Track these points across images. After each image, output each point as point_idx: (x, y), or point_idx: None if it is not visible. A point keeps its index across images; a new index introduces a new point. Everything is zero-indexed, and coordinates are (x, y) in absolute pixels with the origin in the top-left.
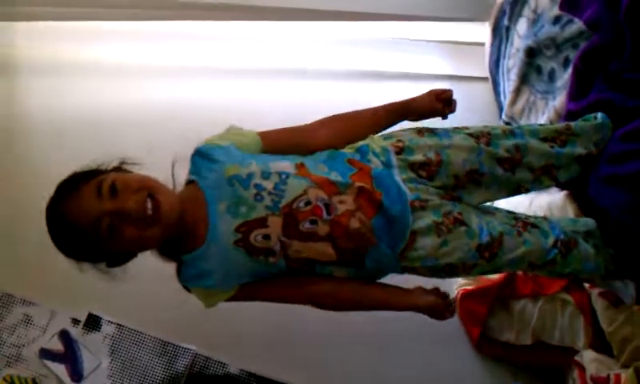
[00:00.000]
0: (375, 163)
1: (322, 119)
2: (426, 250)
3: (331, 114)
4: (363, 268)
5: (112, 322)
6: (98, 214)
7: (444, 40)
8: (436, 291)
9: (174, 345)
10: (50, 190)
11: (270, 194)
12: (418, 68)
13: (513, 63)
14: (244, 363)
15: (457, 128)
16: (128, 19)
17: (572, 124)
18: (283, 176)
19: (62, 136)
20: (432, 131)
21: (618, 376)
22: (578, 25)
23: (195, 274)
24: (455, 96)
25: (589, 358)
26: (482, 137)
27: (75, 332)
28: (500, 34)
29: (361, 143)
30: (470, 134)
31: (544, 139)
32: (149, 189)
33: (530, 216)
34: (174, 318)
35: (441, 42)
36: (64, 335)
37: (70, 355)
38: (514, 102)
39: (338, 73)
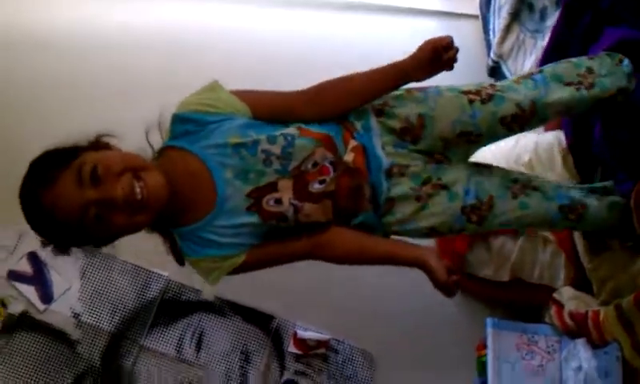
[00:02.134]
0: (356, 127)
1: (313, 89)
2: (405, 214)
3: (319, 44)
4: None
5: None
6: (83, 205)
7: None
8: (446, 263)
9: (147, 270)
10: (35, 112)
11: (278, 157)
12: (406, 2)
13: (505, 0)
14: (218, 290)
15: (454, 86)
16: None
17: (594, 64)
18: (289, 138)
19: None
20: (423, 90)
21: (596, 312)
22: None
23: (196, 244)
24: (445, 32)
25: (568, 294)
26: (483, 91)
27: (44, 254)
28: None
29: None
30: (467, 91)
31: (568, 84)
32: (133, 169)
33: (533, 178)
34: (148, 244)
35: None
36: (33, 257)
37: (39, 277)
38: (503, 40)
39: (327, 3)
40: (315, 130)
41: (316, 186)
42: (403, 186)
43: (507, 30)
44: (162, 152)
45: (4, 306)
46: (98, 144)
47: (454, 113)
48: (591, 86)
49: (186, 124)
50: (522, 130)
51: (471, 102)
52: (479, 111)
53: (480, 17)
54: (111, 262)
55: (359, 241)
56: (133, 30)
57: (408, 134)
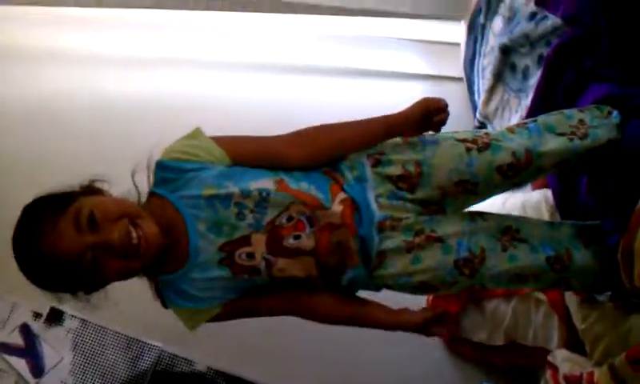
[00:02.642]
0: (347, 179)
1: (303, 132)
2: (397, 269)
3: (304, 109)
4: (338, 285)
5: (75, 317)
6: (81, 249)
7: (420, 39)
8: (424, 310)
9: (140, 341)
10: (14, 180)
11: (252, 211)
12: (393, 66)
13: (488, 61)
14: (211, 360)
15: (449, 134)
16: (111, 6)
17: (585, 116)
18: (264, 194)
19: (31, 125)
20: (419, 138)
21: (590, 374)
22: (552, 21)
23: (176, 295)
24: (430, 95)
25: (562, 356)
26: (479, 140)
27: (37, 326)
28: (475, 32)
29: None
30: (463, 139)
31: (561, 134)
32: (130, 216)
33: (522, 226)
34: (139, 314)
35: (417, 40)
36: (25, 329)
37: (30, 350)
38: (487, 101)
39: (313, 69)
40: (295, 186)
41: (290, 241)
42: (395, 240)
43: (491, 90)
44: (148, 198)
45: None
46: (92, 189)
47: (452, 161)
48: (584, 136)
49: (166, 172)
50: (517, 178)
51: (468, 150)
52: (476, 159)
53: (464, 79)
54: (103, 332)
55: (339, 310)
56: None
57: (405, 182)
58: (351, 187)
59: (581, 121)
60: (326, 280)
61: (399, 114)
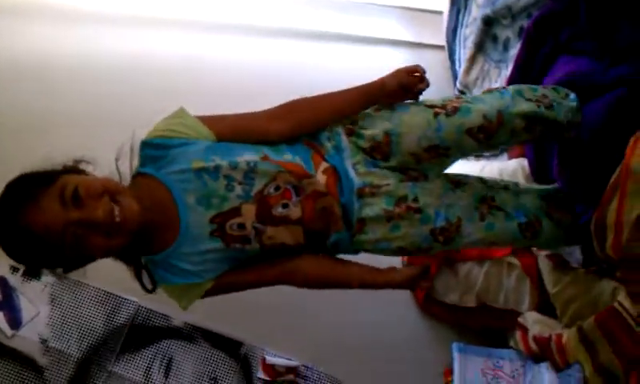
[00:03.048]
0: (327, 148)
1: (283, 107)
2: (376, 235)
3: (287, 72)
4: (324, 248)
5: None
6: (64, 224)
7: (403, 6)
8: (409, 267)
9: (116, 296)
10: (14, 137)
11: (240, 183)
12: (376, 32)
13: (470, 31)
14: (188, 316)
15: (421, 101)
16: None
17: (547, 92)
18: (251, 164)
19: (28, 81)
20: (390, 107)
21: (559, 336)
22: None
23: (167, 272)
24: (411, 63)
25: (532, 319)
26: (448, 105)
27: (14, 279)
28: (458, 3)
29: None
30: (432, 105)
31: (529, 99)
32: (110, 193)
33: (498, 192)
34: (117, 270)
35: (400, 7)
36: (2, 282)
37: (7, 302)
38: (468, 70)
39: (296, 33)
40: (278, 158)
41: (279, 210)
42: (374, 207)
43: (472, 60)
44: (133, 178)
45: None
46: (75, 169)
47: (420, 128)
48: (549, 106)
49: (152, 150)
50: (488, 141)
51: (436, 115)
52: (444, 124)
53: (446, 47)
54: (80, 287)
55: (328, 268)
56: (116, 57)
57: (377, 152)
58: (331, 157)
59: (544, 95)
60: (313, 245)
61: (375, 82)
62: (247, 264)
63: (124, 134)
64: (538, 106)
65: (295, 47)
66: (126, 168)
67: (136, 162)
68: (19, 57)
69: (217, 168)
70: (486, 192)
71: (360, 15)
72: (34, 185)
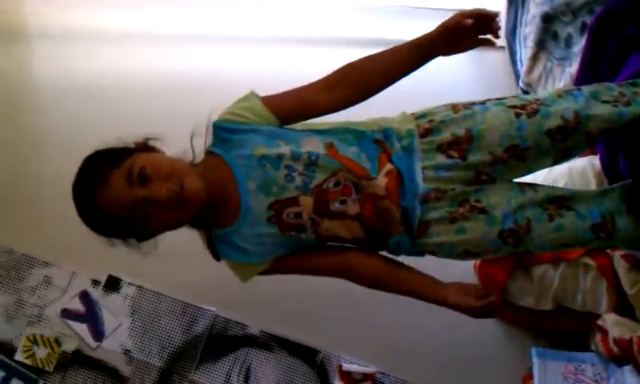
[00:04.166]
0: (396, 149)
1: (331, 75)
2: (440, 238)
3: None
4: (386, 248)
5: (132, 284)
6: (131, 202)
7: (459, 9)
8: (474, 290)
9: (194, 306)
10: (62, 154)
11: (300, 174)
12: None
13: (529, 30)
14: (265, 324)
15: (499, 99)
16: None
17: (624, 90)
18: (313, 157)
19: (72, 102)
20: (468, 105)
21: None
22: None
23: (229, 248)
24: (472, 67)
25: (611, 320)
26: (528, 106)
27: (96, 293)
28: (516, 2)
29: (386, 125)
30: (513, 106)
31: (605, 101)
32: (178, 175)
33: (571, 194)
34: (194, 280)
35: (457, 10)
36: (85, 296)
37: (91, 315)
38: (531, 69)
39: (345, 40)
40: (344, 153)
41: (337, 205)
42: (439, 211)
43: (534, 59)
44: (205, 155)
45: (58, 343)
46: (147, 146)
47: (502, 126)
48: (628, 103)
49: (220, 132)
50: (565, 143)
51: (518, 115)
52: (526, 124)
53: (506, 47)
54: (159, 298)
55: (386, 274)
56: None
57: (455, 149)
58: (399, 158)
59: (621, 93)
60: (373, 243)
61: (423, 35)
62: (304, 250)
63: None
64: (616, 106)
65: (337, 55)
66: (201, 145)
67: (209, 141)
68: (69, 78)
69: (279, 157)
70: (562, 193)
71: (416, 20)
72: (105, 162)
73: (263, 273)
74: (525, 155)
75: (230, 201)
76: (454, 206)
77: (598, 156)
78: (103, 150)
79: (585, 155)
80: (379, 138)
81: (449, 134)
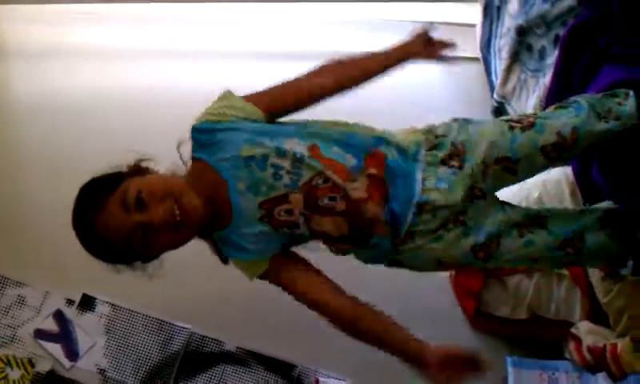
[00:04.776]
0: (392, 154)
1: (318, 67)
2: (417, 245)
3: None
4: (365, 249)
5: (107, 302)
6: (130, 229)
7: (436, 21)
8: (459, 361)
9: (170, 323)
10: (39, 173)
11: (288, 173)
12: None
13: (504, 42)
14: (240, 341)
15: (496, 119)
16: (122, 1)
17: (611, 104)
18: (298, 156)
19: (51, 119)
20: (466, 120)
21: (614, 346)
22: (568, 1)
23: (232, 248)
24: (446, 78)
25: (585, 329)
26: (524, 120)
27: (70, 312)
28: (491, 14)
29: (380, 134)
30: (508, 120)
31: (599, 114)
32: (174, 195)
33: (544, 214)
34: (169, 297)
35: (432, 23)
36: (58, 315)
37: (65, 335)
38: (505, 81)
39: (327, 54)
40: (327, 154)
41: (326, 202)
42: (429, 225)
43: (508, 70)
44: (191, 163)
45: (32, 364)
46: (139, 168)
47: (494, 136)
48: (618, 117)
49: (199, 134)
50: (560, 159)
51: (511, 128)
52: (519, 137)
53: (481, 59)
54: (134, 316)
55: (360, 317)
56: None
57: (455, 160)
58: (395, 161)
59: (609, 110)
60: (355, 240)
61: (399, 42)
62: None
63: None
64: (607, 122)
65: None
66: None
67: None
68: (50, 95)
69: (264, 156)
70: (535, 213)
71: (392, 33)
72: (100, 190)
73: (265, 277)
74: (515, 168)
75: (224, 202)
76: (445, 225)
77: (570, 167)
78: (97, 178)
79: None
80: (371, 145)
81: (450, 146)
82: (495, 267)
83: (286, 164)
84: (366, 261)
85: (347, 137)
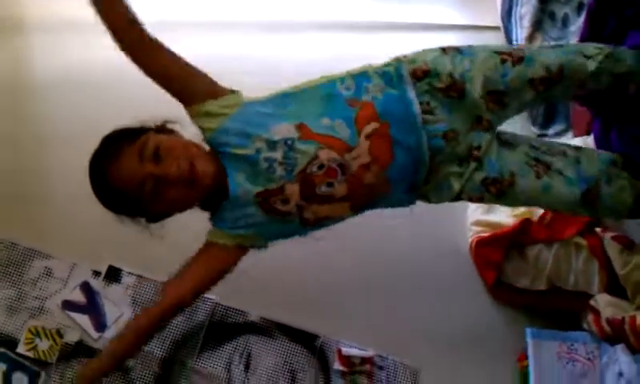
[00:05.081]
0: (373, 90)
1: None
2: (441, 177)
3: (348, 65)
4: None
5: (132, 274)
6: (142, 178)
7: None
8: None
9: None
10: (62, 147)
11: (280, 164)
12: (428, 18)
13: (525, 10)
14: (264, 311)
15: (487, 45)
16: None
17: (613, 49)
18: (289, 142)
19: (72, 93)
20: (457, 50)
21: (633, 318)
22: None
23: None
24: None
25: (604, 301)
26: (514, 53)
27: (96, 283)
28: None
29: (359, 72)
30: (500, 52)
31: (589, 56)
32: (190, 156)
33: (555, 155)
34: None
35: None
36: (85, 287)
37: (92, 306)
38: None
39: (347, 24)
40: (317, 130)
41: (323, 189)
42: (462, 146)
43: (530, 39)
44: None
45: (60, 335)
46: (164, 128)
47: (487, 70)
48: (613, 57)
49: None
50: (546, 92)
51: (503, 61)
52: (510, 71)
53: (502, 28)
54: (159, 287)
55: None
56: None
57: (454, 90)
58: (383, 97)
59: (610, 52)
60: (359, 210)
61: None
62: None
63: None
64: (601, 63)
65: (348, 40)
66: None
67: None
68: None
69: (257, 151)
70: (541, 155)
71: (411, 3)
72: (121, 139)
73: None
74: (504, 101)
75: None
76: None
77: (592, 135)
78: (121, 129)
79: (579, 134)
80: (351, 95)
81: (447, 76)
82: (512, 205)
83: (277, 155)
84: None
85: (328, 101)
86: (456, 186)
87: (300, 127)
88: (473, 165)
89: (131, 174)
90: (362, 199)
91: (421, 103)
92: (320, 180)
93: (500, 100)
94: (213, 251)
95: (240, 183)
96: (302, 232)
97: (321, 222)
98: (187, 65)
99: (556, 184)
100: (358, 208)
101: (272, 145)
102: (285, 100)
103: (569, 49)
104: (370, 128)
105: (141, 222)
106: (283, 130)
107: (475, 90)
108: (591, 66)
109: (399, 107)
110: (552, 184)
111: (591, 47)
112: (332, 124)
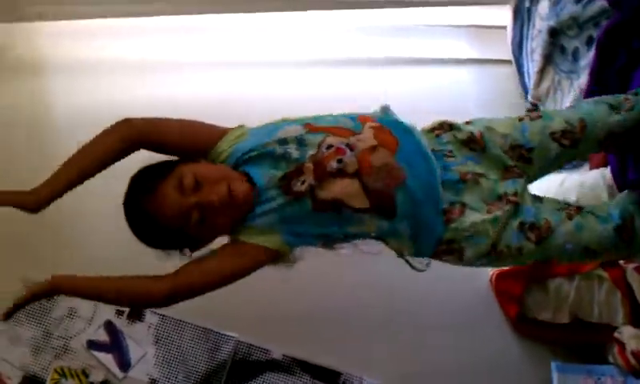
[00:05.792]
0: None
1: None
2: (469, 223)
3: (356, 105)
4: (395, 219)
5: (155, 312)
6: (187, 209)
7: (466, 24)
8: None
9: (217, 332)
10: (89, 187)
11: (296, 149)
12: (440, 53)
13: (536, 44)
14: (286, 348)
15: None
16: (146, 15)
17: (630, 96)
18: (298, 136)
19: (91, 133)
20: (478, 119)
21: None
22: (599, 3)
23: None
24: (479, 79)
25: (628, 333)
26: (532, 114)
27: (120, 322)
28: (522, 16)
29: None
30: (517, 116)
31: (611, 106)
32: (227, 179)
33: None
34: (215, 307)
35: (463, 26)
36: (109, 326)
37: (116, 345)
38: (539, 83)
39: (361, 61)
40: (322, 123)
41: (333, 165)
42: (474, 196)
43: (542, 72)
44: None
45: (86, 375)
46: (187, 157)
47: (506, 128)
48: (631, 108)
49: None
50: (573, 147)
51: (521, 119)
52: (529, 126)
53: (513, 61)
54: (182, 326)
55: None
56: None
57: (475, 143)
58: (389, 119)
59: (626, 98)
60: (379, 211)
61: None
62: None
63: None
64: (618, 113)
65: (363, 76)
66: None
67: None
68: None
69: (273, 148)
70: (570, 203)
71: (423, 38)
72: (152, 177)
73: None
74: (530, 156)
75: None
76: (492, 197)
77: (609, 168)
78: (148, 166)
79: (595, 166)
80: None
81: (467, 132)
82: (550, 255)
83: (292, 146)
84: (410, 251)
85: (332, 116)
86: (491, 233)
87: (306, 125)
88: (509, 210)
89: (176, 208)
90: (374, 182)
91: (443, 151)
92: (329, 158)
93: (523, 156)
94: (241, 248)
95: (264, 174)
96: (314, 218)
97: (335, 207)
98: (190, 125)
99: (589, 222)
100: (373, 197)
101: (283, 141)
102: (287, 120)
103: (588, 102)
104: (373, 123)
105: (186, 253)
106: (291, 130)
107: (495, 144)
108: (616, 117)
109: (409, 138)
110: (583, 223)
111: (612, 98)
112: (336, 119)
